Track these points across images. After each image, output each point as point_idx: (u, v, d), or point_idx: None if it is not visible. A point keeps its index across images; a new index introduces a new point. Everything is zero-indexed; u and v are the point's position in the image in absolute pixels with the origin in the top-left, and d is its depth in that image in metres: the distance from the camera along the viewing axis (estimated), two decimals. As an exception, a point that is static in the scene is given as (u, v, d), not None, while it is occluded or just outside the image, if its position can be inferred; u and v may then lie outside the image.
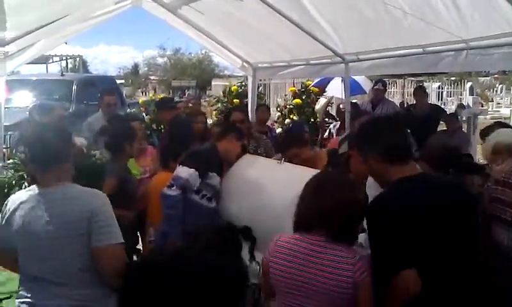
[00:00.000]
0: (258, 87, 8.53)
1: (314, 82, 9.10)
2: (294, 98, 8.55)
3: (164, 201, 3.19)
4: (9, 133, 5.65)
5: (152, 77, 35.89)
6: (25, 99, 8.26)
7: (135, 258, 3.66)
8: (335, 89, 8.71)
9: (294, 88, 9.04)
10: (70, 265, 2.02)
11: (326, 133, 6.52)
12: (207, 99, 16.03)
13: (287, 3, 4.64)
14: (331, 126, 6.68)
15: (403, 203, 1.89)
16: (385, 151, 2.00)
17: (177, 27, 6.09)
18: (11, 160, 4.13)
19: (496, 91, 24.09)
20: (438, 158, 2.98)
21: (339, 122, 6.37)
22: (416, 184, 1.96)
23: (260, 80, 9.25)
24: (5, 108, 5.09)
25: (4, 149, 4.90)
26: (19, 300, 2.11)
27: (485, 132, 3.63)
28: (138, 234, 4.01)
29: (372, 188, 2.28)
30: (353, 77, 7.09)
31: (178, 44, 36.91)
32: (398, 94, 19.50)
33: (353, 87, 7.57)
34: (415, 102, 7.33)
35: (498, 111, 19.83)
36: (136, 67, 38.73)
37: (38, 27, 4.36)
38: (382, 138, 2.04)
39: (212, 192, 3.32)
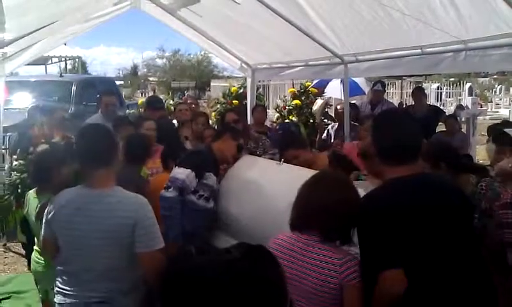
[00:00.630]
0: (257, 89, 8.54)
1: (313, 83, 9.09)
2: (293, 99, 8.56)
3: (162, 203, 3.19)
4: (8, 134, 5.65)
5: (151, 78, 35.93)
6: (24, 100, 8.27)
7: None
8: (334, 89, 8.70)
9: (293, 89, 9.03)
10: (105, 264, 2.17)
11: (324, 134, 6.51)
12: (206, 100, 16.04)
13: (285, 5, 4.65)
14: (329, 127, 6.66)
15: (390, 202, 1.89)
16: (393, 149, 1.99)
17: (176, 29, 6.10)
18: (18, 162, 4.14)
19: (495, 91, 24.17)
20: (427, 152, 2.96)
21: (337, 123, 6.36)
22: (407, 184, 1.93)
23: (259, 81, 9.25)
24: (4, 109, 5.10)
25: (3, 150, 4.90)
26: (56, 289, 2.30)
27: (493, 130, 3.59)
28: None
29: (361, 186, 2.28)
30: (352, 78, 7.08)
31: (177, 45, 37.24)
32: (397, 95, 19.54)
33: (352, 88, 7.57)
34: (413, 103, 7.31)
35: (497, 112, 19.89)
36: (135, 68, 38.90)
37: (37, 29, 4.36)
38: (393, 135, 2.03)
39: (209, 192, 3.33)
